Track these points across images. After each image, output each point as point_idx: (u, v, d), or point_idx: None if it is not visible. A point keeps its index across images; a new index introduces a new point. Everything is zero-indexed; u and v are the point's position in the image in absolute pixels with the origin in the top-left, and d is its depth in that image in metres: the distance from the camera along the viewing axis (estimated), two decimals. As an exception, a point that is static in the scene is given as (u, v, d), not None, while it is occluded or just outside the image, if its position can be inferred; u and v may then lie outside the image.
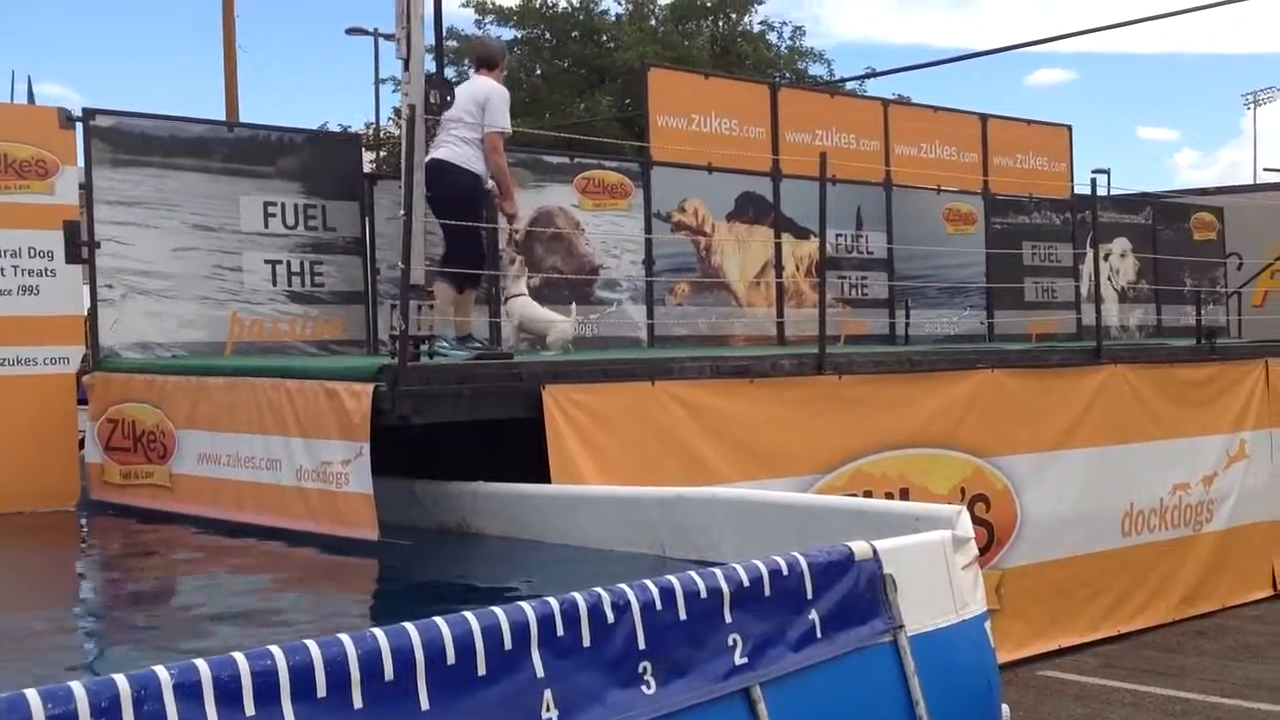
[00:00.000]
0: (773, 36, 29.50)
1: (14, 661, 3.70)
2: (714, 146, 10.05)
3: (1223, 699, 7.72)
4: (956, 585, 3.94)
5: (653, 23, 28.29)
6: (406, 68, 6.86)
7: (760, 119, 10.65)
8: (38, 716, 2.12)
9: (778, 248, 10.33)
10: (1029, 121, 13.09)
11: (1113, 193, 11.93)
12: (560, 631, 2.88)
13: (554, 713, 2.82)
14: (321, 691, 2.47)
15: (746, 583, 3.30)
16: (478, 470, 5.90)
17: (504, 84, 7.70)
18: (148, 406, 6.86)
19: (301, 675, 2.44)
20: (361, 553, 5.43)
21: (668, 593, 3.12)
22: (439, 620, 2.70)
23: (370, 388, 5.62)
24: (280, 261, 8.05)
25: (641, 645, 3.03)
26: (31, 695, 2.14)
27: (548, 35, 28.15)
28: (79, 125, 7.42)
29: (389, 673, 2.57)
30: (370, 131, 27.40)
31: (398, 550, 5.48)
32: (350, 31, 30.22)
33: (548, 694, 2.82)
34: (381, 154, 25.54)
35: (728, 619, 3.24)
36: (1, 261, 7.10)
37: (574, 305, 8.35)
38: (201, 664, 2.34)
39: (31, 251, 7.19)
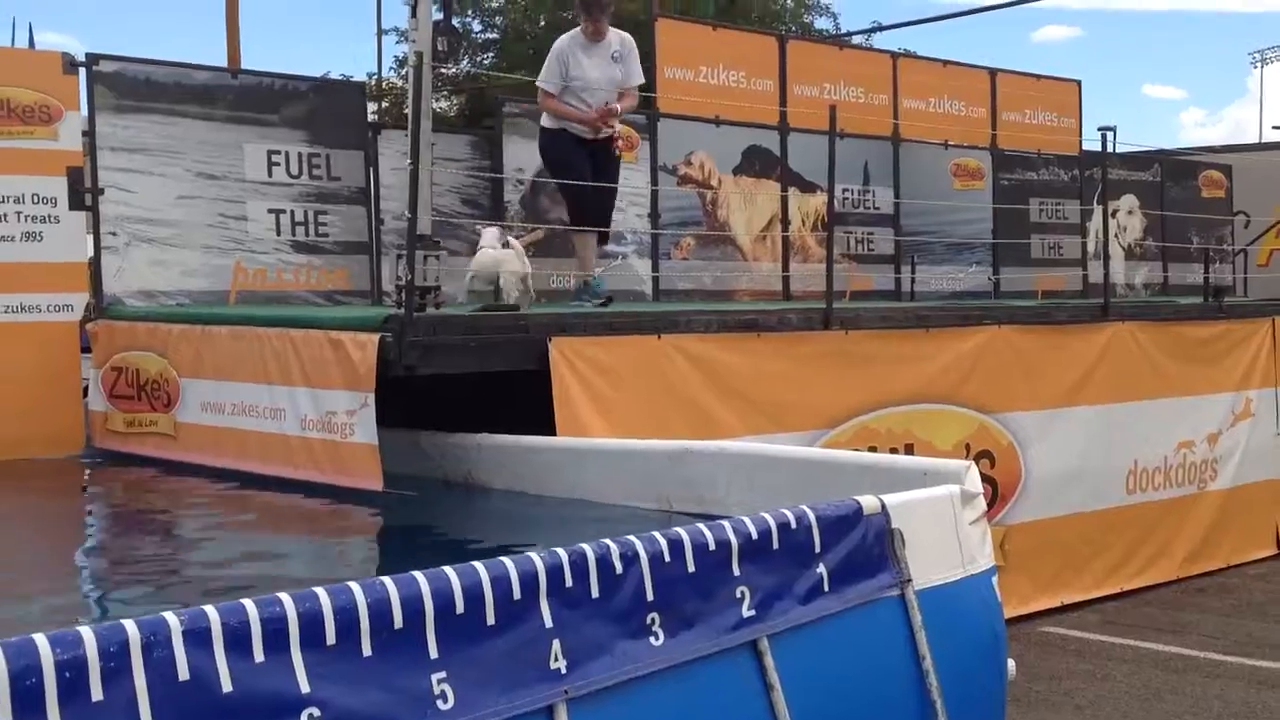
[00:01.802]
0: (779, -12, 29.23)
1: (21, 608, 3.70)
2: (721, 99, 9.98)
3: (1224, 656, 7.74)
4: (964, 540, 3.92)
5: (658, -27, 27.99)
6: (414, 14, 6.79)
7: (768, 71, 10.57)
8: (46, 661, 2.11)
9: (784, 202, 10.27)
10: (1038, 77, 13.00)
11: (1121, 149, 11.84)
12: (569, 582, 2.87)
13: (562, 663, 2.81)
14: (331, 639, 2.45)
15: (755, 536, 3.29)
16: (483, 423, 5.88)
17: (601, 35, 7.73)
18: (152, 355, 6.84)
19: (311, 623, 2.43)
20: (366, 503, 5.42)
21: (676, 545, 3.11)
22: (448, 569, 2.68)
23: (376, 338, 5.59)
24: (284, 211, 8.02)
25: (650, 597, 3.02)
26: (40, 640, 2.13)
27: (553, -15, 27.90)
28: (82, 71, 7.36)
29: (398, 621, 2.56)
30: (373, 82, 27.20)
31: (403, 501, 5.47)
32: (353, -20, 29.95)
33: (556, 644, 2.81)
34: (384, 104, 25.37)
35: (736, 572, 3.23)
36: (5, 208, 7.05)
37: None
38: (211, 610, 2.33)
39: (35, 198, 7.14)
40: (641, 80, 7.95)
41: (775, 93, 10.55)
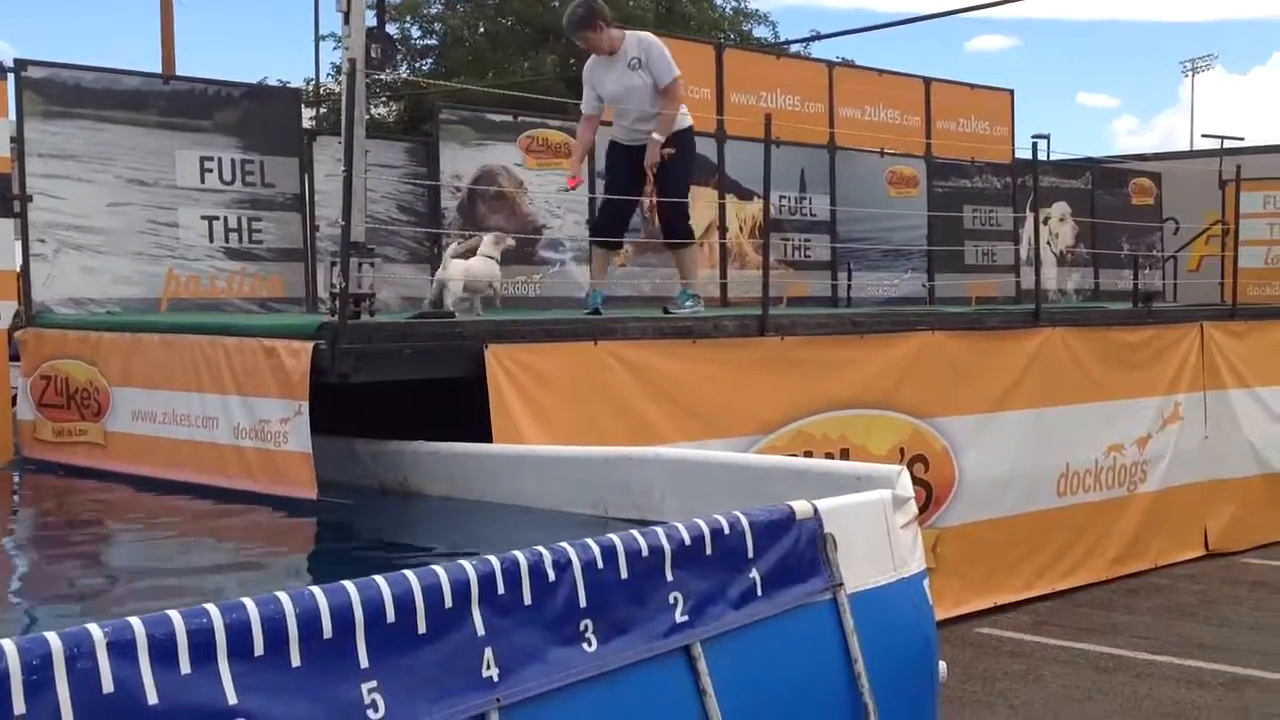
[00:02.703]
0: (717, -3, 29.43)
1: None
2: (659, 106, 9.97)
3: (1155, 656, 7.87)
4: (896, 544, 3.97)
5: (597, -19, 28.03)
6: (347, 21, 6.77)
7: (705, 80, 10.61)
8: (-33, 675, 2.08)
9: (721, 209, 10.32)
10: (972, 86, 13.14)
11: (1053, 157, 12.00)
12: (501, 590, 2.87)
13: (494, 670, 2.81)
14: (259, 650, 2.43)
15: (688, 541, 3.30)
16: (420, 430, 5.86)
17: (599, 50, 7.83)
18: (81, 363, 6.75)
19: (238, 633, 2.41)
20: (300, 512, 5.38)
21: (609, 551, 3.12)
22: (378, 578, 2.67)
23: (310, 345, 5.55)
24: (217, 217, 7.94)
25: (583, 603, 3.02)
26: (-40, 654, 2.10)
27: (491, -8, 27.87)
28: (10, 76, 7.25)
29: (327, 631, 2.54)
30: (310, 88, 27.04)
31: (337, 509, 5.44)
32: (290, -15, 29.75)
33: (488, 652, 2.80)
34: (322, 110, 25.22)
35: (669, 577, 3.24)
36: (-70, 215, 6.94)
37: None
38: (136, 622, 2.30)
39: (-39, 205, 7.04)
40: (671, 76, 7.83)
41: (712, 100, 10.60)
